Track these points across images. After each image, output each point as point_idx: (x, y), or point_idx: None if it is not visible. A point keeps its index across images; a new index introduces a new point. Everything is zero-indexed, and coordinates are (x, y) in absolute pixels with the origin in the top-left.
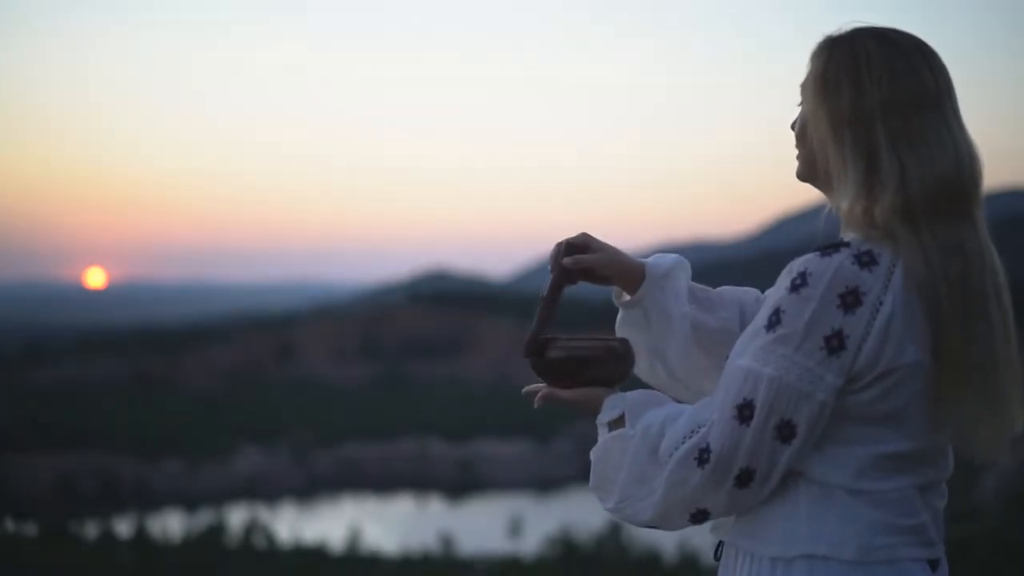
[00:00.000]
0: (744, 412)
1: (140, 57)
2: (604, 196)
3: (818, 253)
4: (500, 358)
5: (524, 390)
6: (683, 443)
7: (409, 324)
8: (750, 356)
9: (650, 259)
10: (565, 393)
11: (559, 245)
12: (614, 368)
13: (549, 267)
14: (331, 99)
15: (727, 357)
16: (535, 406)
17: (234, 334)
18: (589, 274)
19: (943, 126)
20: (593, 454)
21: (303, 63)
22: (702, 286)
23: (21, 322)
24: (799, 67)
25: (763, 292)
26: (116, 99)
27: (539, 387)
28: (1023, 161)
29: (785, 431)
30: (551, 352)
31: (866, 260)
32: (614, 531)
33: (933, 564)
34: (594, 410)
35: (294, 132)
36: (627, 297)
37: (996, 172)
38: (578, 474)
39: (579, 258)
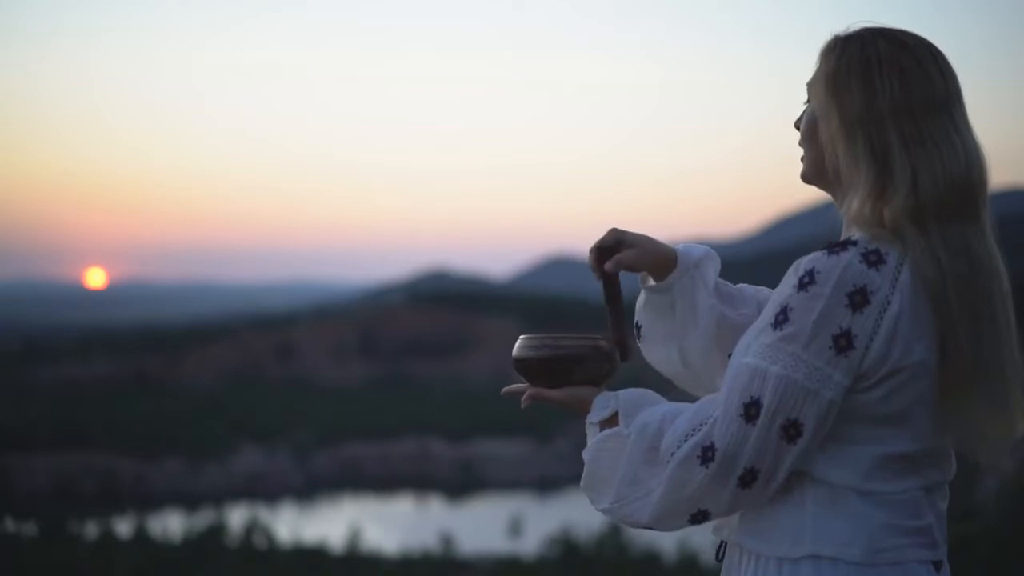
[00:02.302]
0: (750, 411)
1: (140, 57)
2: (604, 196)
3: (825, 251)
4: (500, 358)
5: (504, 390)
6: (685, 441)
7: (409, 324)
8: (756, 354)
9: (680, 246)
10: (553, 393)
11: (593, 251)
12: (601, 366)
13: (595, 275)
14: (331, 99)
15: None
16: (522, 406)
17: (234, 334)
18: (632, 268)
19: (952, 128)
20: (586, 454)
21: (303, 63)
22: (725, 281)
23: (21, 322)
24: (800, 67)
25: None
26: (116, 99)
27: (521, 387)
28: (1023, 161)
29: (791, 431)
30: (539, 351)
31: (874, 259)
32: (614, 531)
33: (937, 565)
34: (583, 409)
35: (294, 132)
36: (653, 282)
37: (996, 172)
38: (578, 474)
39: (620, 259)
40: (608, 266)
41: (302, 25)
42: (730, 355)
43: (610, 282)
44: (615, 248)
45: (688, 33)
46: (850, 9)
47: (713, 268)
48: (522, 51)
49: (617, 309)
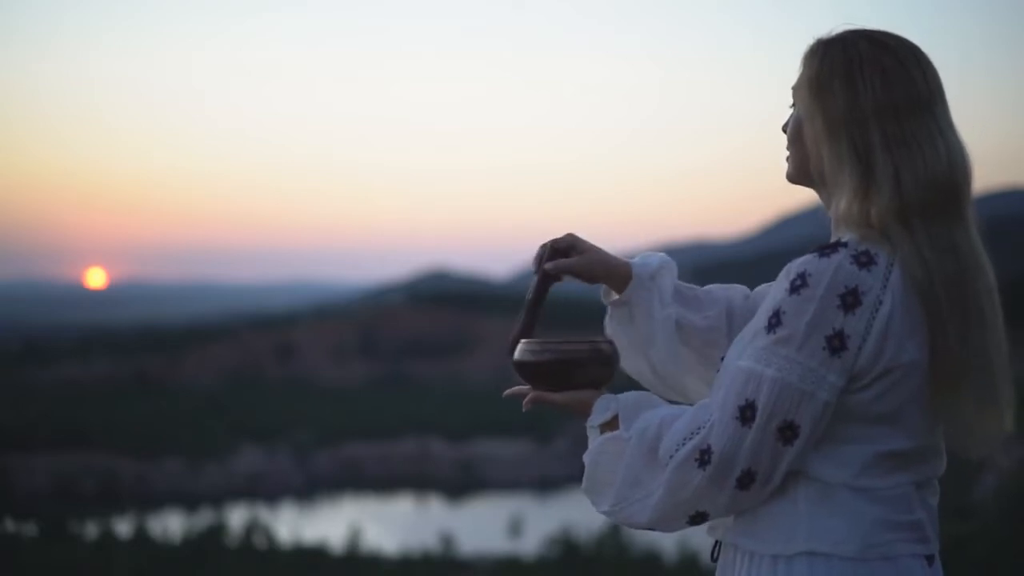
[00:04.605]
0: (746, 413)
1: (140, 57)
2: (604, 196)
3: (816, 254)
4: (500, 358)
5: (506, 393)
6: (683, 444)
7: (409, 324)
8: (751, 357)
9: (636, 259)
10: (555, 396)
11: (544, 247)
12: (601, 370)
13: (533, 268)
14: (331, 99)
15: (716, 356)
16: (523, 409)
17: (234, 334)
18: (575, 275)
19: (935, 127)
20: (586, 457)
21: (303, 63)
22: (689, 285)
23: (21, 322)
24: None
25: (752, 290)
26: (116, 99)
27: (523, 389)
28: (1022, 161)
29: (787, 432)
30: (540, 355)
31: (864, 260)
32: (614, 531)
33: (929, 559)
34: (585, 412)
35: (294, 132)
36: (615, 296)
37: (996, 172)
38: (578, 474)
39: (560, 263)
40: (548, 266)
41: (302, 25)
42: (721, 358)
43: (544, 282)
44: (567, 251)
45: (688, 33)
46: (850, 9)
47: (670, 276)
48: (522, 51)
49: (534, 310)
